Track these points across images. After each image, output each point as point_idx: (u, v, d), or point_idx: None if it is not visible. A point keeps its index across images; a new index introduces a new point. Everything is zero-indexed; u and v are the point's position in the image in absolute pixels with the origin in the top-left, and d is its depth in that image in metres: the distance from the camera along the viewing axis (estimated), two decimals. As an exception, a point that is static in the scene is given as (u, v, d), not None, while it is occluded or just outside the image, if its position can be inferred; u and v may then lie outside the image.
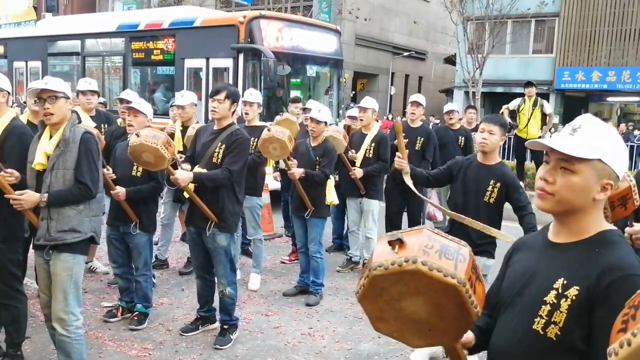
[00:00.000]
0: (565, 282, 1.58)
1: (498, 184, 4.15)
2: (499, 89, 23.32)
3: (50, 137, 3.63)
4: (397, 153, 4.16)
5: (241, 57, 10.08)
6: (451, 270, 1.48)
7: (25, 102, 7.53)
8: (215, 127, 4.64)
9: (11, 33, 17.92)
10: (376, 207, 6.68)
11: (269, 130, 5.28)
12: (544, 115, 10.60)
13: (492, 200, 4.17)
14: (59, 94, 3.56)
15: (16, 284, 4.05)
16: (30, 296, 4.83)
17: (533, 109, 10.51)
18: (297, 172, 5.48)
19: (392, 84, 30.63)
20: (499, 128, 4.14)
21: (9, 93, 3.99)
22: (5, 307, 4.00)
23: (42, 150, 3.59)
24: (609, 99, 23.61)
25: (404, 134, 6.85)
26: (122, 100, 6.20)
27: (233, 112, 4.67)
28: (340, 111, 11.82)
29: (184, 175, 4.30)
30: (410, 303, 1.53)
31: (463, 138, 8.04)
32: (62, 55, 14.15)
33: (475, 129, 9.19)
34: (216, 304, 4.91)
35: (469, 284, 1.50)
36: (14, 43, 14.90)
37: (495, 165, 4.23)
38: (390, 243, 1.53)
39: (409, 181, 4.07)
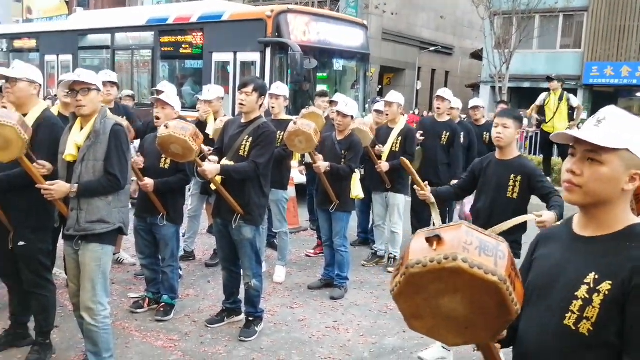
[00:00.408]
0: (596, 276, 1.55)
1: (519, 177, 4.07)
2: (526, 84, 23.03)
3: (81, 128, 3.67)
4: (415, 187, 4.03)
5: (268, 51, 10.11)
6: (492, 267, 1.44)
7: (56, 95, 7.64)
8: (242, 120, 4.65)
9: (43, 27, 18.18)
10: (402, 202, 6.65)
11: (295, 123, 5.28)
12: (571, 109, 10.44)
13: (515, 195, 4.09)
14: (91, 86, 3.61)
15: (46, 273, 4.12)
16: (59, 286, 4.92)
17: (559, 103, 10.36)
18: (322, 165, 5.48)
19: (418, 79, 30.48)
20: (512, 121, 4.06)
21: (40, 85, 4.05)
22: (35, 296, 4.07)
23: (73, 141, 3.64)
24: (639, 94, 23.16)
25: (428, 130, 6.88)
26: (159, 92, 6.24)
27: (260, 106, 4.68)
28: (367, 105, 11.79)
29: (211, 167, 4.33)
30: (448, 301, 1.49)
31: (488, 134, 7.92)
32: (93, 49, 14.34)
33: None
34: (242, 296, 4.94)
35: (509, 281, 1.46)
36: (46, 37, 15.13)
37: (514, 159, 4.16)
38: (428, 239, 1.49)
39: (436, 215, 3.95)
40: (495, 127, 4.11)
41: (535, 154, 13.89)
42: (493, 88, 21.07)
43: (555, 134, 1.69)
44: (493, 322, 1.52)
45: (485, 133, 7.85)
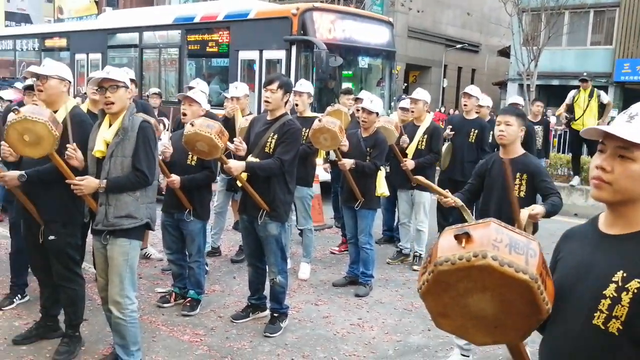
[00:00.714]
0: (624, 274, 1.52)
1: (524, 176, 3.99)
2: (555, 82, 22.68)
3: (110, 125, 3.73)
4: (438, 197, 3.91)
5: (294, 48, 10.14)
6: (522, 266, 1.41)
7: (85, 93, 7.77)
8: (268, 118, 4.68)
9: (73, 26, 18.49)
10: (428, 200, 6.61)
11: (319, 120, 5.30)
12: (601, 106, 10.25)
13: (522, 193, 4.00)
14: (120, 83, 3.66)
15: (75, 267, 4.20)
16: (88, 280, 5.00)
17: (589, 100, 10.18)
18: (347, 162, 5.48)
19: (444, 77, 30.26)
20: (515, 118, 4.00)
21: (70, 82, 4.12)
22: (64, 289, 4.15)
23: (102, 138, 3.70)
24: (673, 92, 22.70)
25: (457, 127, 6.83)
26: (192, 88, 6.28)
27: (286, 102, 4.69)
28: (392, 103, 11.75)
29: (236, 164, 4.37)
30: (477, 299, 1.46)
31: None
32: (121, 47, 14.53)
33: (541, 123, 8.88)
34: (267, 292, 4.97)
35: (541, 279, 1.43)
36: (76, 36, 15.39)
37: (519, 157, 4.07)
38: (457, 237, 1.46)
39: (469, 217, 3.81)
40: (498, 124, 4.04)
41: (563, 152, 13.68)
42: (521, 86, 20.79)
43: (585, 129, 1.65)
44: (523, 321, 1.49)
45: None
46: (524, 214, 3.47)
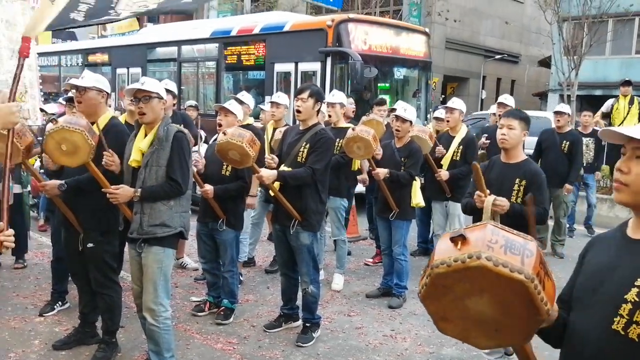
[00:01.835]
0: None
1: (524, 182, 3.84)
2: (598, 92, 22.16)
3: (145, 135, 3.82)
4: (477, 192, 3.72)
5: (329, 60, 10.17)
6: (518, 266, 1.41)
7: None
8: (300, 128, 4.71)
9: (114, 42, 18.97)
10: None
11: (353, 129, 5.31)
12: None
13: (519, 200, 3.83)
14: (152, 94, 3.74)
15: (111, 274, 4.30)
16: (126, 288, 5.11)
17: (629, 107, 9.91)
18: (381, 172, 5.46)
19: (483, 88, 29.91)
20: (518, 122, 3.87)
21: (108, 94, 4.23)
22: (101, 296, 4.25)
23: (138, 147, 3.79)
24: None
25: (492, 135, 6.72)
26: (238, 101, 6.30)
27: (318, 112, 4.72)
28: (429, 115, 11.68)
29: (268, 173, 4.41)
30: (475, 302, 1.47)
31: (568, 143, 7.48)
32: (160, 61, 14.82)
33: (591, 135, 8.46)
34: (300, 302, 4.97)
35: (538, 279, 1.43)
36: (117, 51, 15.77)
37: (521, 162, 3.94)
38: (453, 239, 1.48)
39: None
40: (500, 128, 3.94)
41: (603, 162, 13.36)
42: (562, 96, 20.42)
43: (603, 129, 1.63)
44: (523, 323, 1.49)
45: (564, 142, 7.50)
46: (489, 199, 3.35)
